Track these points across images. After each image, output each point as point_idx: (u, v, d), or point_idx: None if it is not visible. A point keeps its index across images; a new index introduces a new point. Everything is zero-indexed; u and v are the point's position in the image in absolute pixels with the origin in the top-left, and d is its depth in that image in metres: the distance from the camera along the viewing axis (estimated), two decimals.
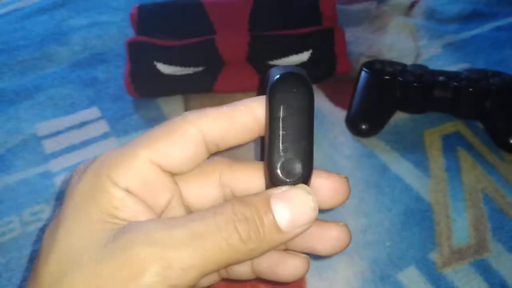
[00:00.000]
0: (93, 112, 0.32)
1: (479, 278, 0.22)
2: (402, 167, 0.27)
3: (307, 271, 0.12)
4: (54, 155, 0.29)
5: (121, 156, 0.11)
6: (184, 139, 0.11)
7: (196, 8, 0.35)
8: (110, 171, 0.11)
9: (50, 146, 0.30)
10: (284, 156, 0.10)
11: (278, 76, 0.10)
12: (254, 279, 0.21)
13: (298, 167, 0.10)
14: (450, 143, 0.28)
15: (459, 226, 0.24)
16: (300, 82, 0.10)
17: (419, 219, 0.24)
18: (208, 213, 0.11)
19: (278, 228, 0.10)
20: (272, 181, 0.11)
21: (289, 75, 0.10)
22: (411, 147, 0.28)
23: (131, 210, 0.11)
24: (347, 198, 0.12)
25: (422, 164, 0.27)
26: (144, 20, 0.34)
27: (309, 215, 0.10)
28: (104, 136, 0.31)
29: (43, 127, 0.31)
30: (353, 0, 0.43)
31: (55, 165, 0.29)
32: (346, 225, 0.12)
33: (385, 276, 0.22)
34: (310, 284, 0.22)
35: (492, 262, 0.22)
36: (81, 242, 0.11)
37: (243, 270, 0.13)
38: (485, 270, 0.22)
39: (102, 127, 0.31)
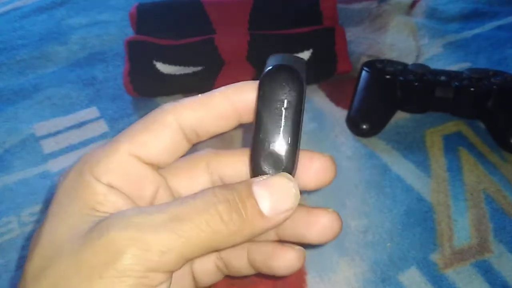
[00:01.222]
0: (92, 112, 0.32)
1: (480, 279, 0.22)
2: (403, 167, 0.27)
3: (302, 264, 0.12)
4: (53, 155, 0.29)
5: (102, 152, 0.11)
6: (161, 128, 0.11)
7: (196, 7, 0.34)
8: (91, 168, 0.11)
9: (49, 146, 0.30)
10: (268, 148, 0.10)
11: (270, 68, 0.10)
12: (255, 277, 0.21)
13: (281, 160, 0.10)
14: (452, 143, 0.28)
15: (461, 226, 0.24)
16: (291, 76, 0.10)
17: (420, 220, 0.24)
18: (188, 197, 0.11)
19: (260, 212, 0.10)
20: (255, 173, 0.11)
21: (282, 68, 0.10)
22: (412, 147, 0.28)
23: (113, 204, 0.11)
24: (333, 177, 0.12)
25: (423, 164, 0.27)
26: (143, 19, 0.34)
27: (291, 200, 0.10)
28: (103, 136, 0.30)
29: (42, 127, 0.31)
30: None
31: (54, 165, 0.28)
32: (336, 212, 0.12)
33: (386, 277, 0.22)
34: (310, 284, 0.22)
35: (493, 263, 0.22)
36: (62, 236, 0.11)
37: (241, 265, 0.13)
38: (486, 271, 0.22)
39: (101, 127, 0.31)
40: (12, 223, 0.25)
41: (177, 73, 0.32)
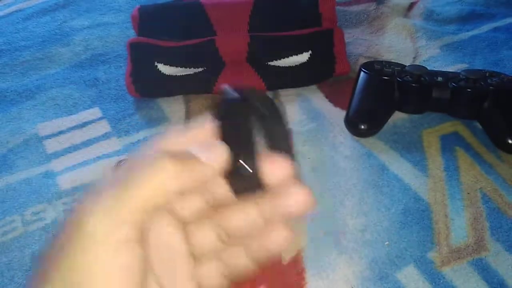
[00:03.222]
0: (94, 112, 0.33)
1: (477, 277, 0.22)
2: (401, 167, 0.27)
3: (292, 234, 0.14)
4: (56, 155, 0.30)
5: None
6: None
7: (197, 9, 0.35)
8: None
9: (52, 146, 0.30)
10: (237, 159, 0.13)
11: (221, 98, 0.13)
12: (254, 281, 0.22)
13: (248, 167, 0.13)
14: (449, 143, 0.29)
15: (458, 225, 0.24)
16: (236, 100, 0.13)
17: (418, 219, 0.24)
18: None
19: (199, 159, 0.12)
20: (228, 180, 0.13)
21: (228, 96, 0.13)
22: (410, 147, 0.28)
23: None
24: (291, 174, 0.14)
25: (420, 164, 0.27)
26: (145, 21, 0.35)
27: (221, 150, 0.13)
28: (106, 136, 0.31)
29: (45, 127, 0.32)
30: (353, 1, 0.43)
31: (57, 165, 0.29)
32: (306, 189, 0.14)
33: (384, 275, 0.22)
34: (309, 282, 0.22)
35: (490, 261, 0.22)
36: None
37: (241, 262, 0.14)
38: (483, 269, 0.22)
39: (104, 127, 0.31)
40: (15, 222, 0.25)
41: (178, 74, 0.32)
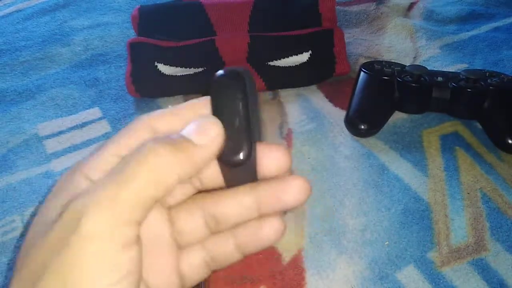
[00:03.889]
0: (94, 112, 0.33)
1: (477, 277, 0.22)
2: (401, 167, 0.27)
3: (285, 229, 0.14)
4: (56, 154, 0.30)
5: (92, 155, 0.13)
6: (139, 133, 0.13)
7: (197, 9, 0.35)
8: (81, 166, 0.13)
9: (52, 146, 0.30)
10: (228, 143, 0.12)
11: (216, 76, 0.12)
12: (255, 277, 0.22)
13: (240, 149, 0.12)
14: (449, 143, 0.29)
15: (458, 225, 0.24)
16: (234, 77, 0.12)
17: (418, 219, 0.24)
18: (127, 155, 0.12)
19: (192, 142, 0.12)
20: (221, 160, 0.13)
21: (226, 73, 0.12)
22: (410, 147, 0.28)
23: None
24: (290, 165, 0.13)
25: (420, 164, 0.27)
26: (145, 21, 0.35)
27: (215, 127, 0.12)
28: (106, 136, 0.31)
29: (45, 127, 0.32)
30: (353, 1, 0.43)
31: (57, 165, 0.29)
32: (304, 177, 0.13)
33: (384, 275, 0.22)
34: (309, 282, 0.22)
35: (490, 261, 0.22)
36: (40, 228, 0.12)
37: (228, 252, 0.14)
38: (483, 269, 0.22)
39: (104, 127, 0.31)
40: (15, 222, 0.26)
41: (178, 74, 0.32)
